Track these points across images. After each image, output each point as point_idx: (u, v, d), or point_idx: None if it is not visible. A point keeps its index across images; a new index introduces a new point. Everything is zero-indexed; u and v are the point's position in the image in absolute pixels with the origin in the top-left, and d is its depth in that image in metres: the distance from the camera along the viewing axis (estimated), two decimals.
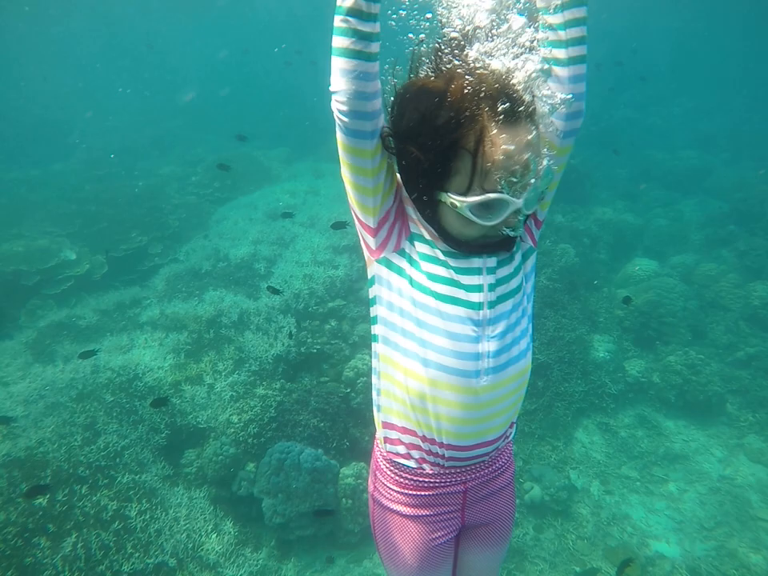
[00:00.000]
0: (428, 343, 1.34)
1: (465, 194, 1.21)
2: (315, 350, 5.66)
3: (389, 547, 1.63)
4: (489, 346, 1.34)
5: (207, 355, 5.94)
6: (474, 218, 1.22)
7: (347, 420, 5.35)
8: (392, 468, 1.54)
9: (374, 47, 1.16)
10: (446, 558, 1.66)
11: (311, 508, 4.77)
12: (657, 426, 6.16)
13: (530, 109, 1.21)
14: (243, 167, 11.23)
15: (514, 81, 1.19)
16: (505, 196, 1.18)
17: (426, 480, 1.50)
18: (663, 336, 6.86)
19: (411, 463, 1.49)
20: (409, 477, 1.51)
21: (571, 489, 5.48)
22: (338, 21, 1.13)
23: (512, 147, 1.15)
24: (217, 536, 4.73)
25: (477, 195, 1.19)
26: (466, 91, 1.17)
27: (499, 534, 1.73)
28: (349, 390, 5.40)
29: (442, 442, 1.42)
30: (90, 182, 10.84)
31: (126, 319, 7.02)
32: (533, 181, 1.19)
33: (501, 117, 1.15)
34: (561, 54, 1.32)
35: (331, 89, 1.19)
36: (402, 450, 1.50)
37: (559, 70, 1.33)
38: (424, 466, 1.48)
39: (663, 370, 6.48)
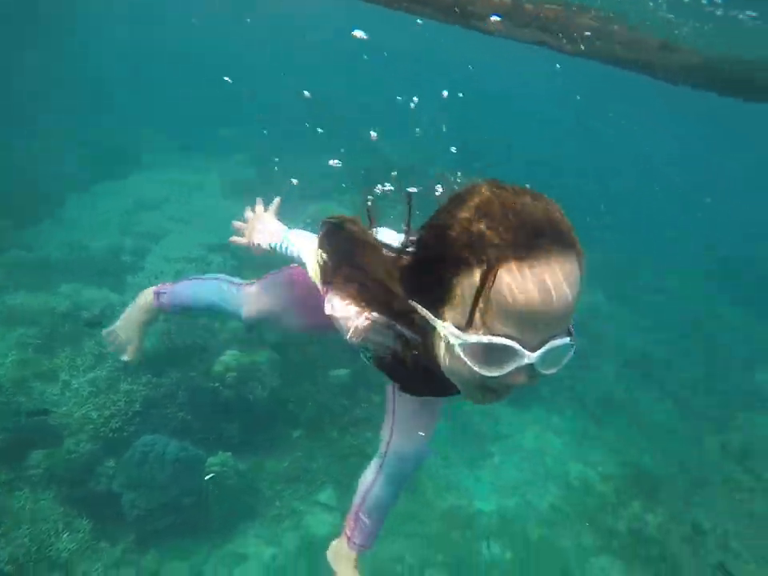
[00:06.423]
0: None
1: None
2: (186, 345, 5.72)
3: None
4: None
5: (63, 350, 5.63)
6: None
7: (215, 413, 5.51)
8: None
9: None
10: None
11: (174, 499, 4.87)
12: (493, 413, 7.30)
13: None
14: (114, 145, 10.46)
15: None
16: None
17: None
18: None
19: None
20: None
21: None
22: None
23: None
24: (69, 534, 4.50)
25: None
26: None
27: None
28: (218, 385, 5.54)
29: None
30: None
31: None
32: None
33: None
34: None
35: None
36: None
37: None
38: None
39: None
